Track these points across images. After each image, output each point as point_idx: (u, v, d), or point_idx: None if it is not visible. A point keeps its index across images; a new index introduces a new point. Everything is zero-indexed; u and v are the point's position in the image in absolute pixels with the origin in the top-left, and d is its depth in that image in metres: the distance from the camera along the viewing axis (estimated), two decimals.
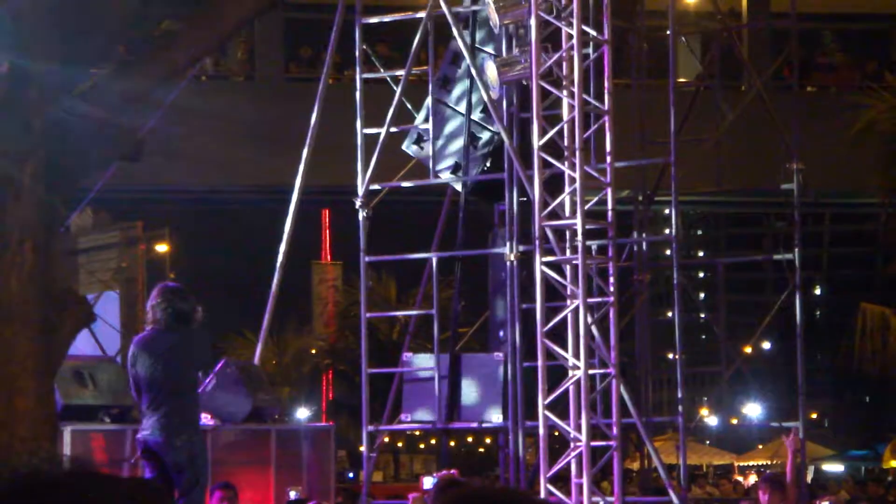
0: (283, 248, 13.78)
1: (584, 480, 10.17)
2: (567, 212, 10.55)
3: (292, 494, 10.89)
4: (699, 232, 78.87)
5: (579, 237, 10.29)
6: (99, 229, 21.55)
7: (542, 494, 10.07)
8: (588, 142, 11.09)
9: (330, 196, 20.86)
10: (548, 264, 10.45)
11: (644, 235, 14.17)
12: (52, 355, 7.73)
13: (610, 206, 10.76)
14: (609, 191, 10.71)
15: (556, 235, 10.53)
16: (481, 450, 47.60)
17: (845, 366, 26.82)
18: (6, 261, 7.40)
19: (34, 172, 7.45)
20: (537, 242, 10.49)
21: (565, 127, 10.53)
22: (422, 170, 12.53)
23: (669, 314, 13.84)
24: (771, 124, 13.36)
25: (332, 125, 13.72)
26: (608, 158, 10.87)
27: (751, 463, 39.57)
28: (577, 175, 10.35)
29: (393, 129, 12.44)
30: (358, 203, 12.34)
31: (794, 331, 13.32)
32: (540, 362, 10.31)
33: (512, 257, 11.70)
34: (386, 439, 15.19)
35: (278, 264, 13.80)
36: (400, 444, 46.66)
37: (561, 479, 10.72)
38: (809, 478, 23.74)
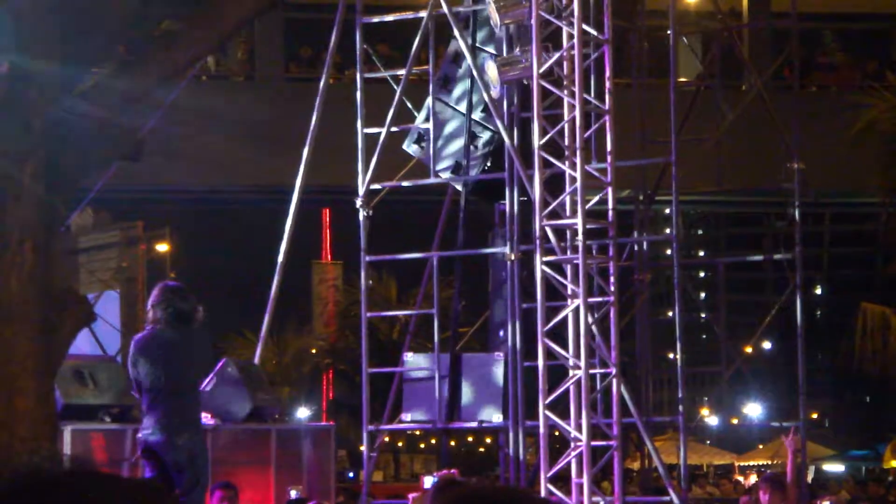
0: (283, 247, 13.78)
1: (585, 480, 10.16)
2: (567, 211, 10.55)
3: (293, 494, 10.90)
4: (699, 232, 78.88)
5: (580, 237, 10.28)
6: (99, 229, 21.55)
7: (543, 494, 10.06)
8: (588, 141, 11.09)
9: (330, 195, 20.87)
10: (548, 264, 10.44)
11: (644, 235, 14.17)
12: (53, 355, 7.72)
13: (610, 205, 10.75)
14: (609, 190, 10.71)
15: (557, 235, 10.53)
16: (481, 449, 47.61)
17: (846, 366, 26.81)
18: (6, 260, 7.40)
19: (34, 172, 7.45)
20: (538, 242, 10.49)
21: (566, 126, 10.53)
22: (422, 169, 12.53)
23: (670, 314, 13.84)
24: (771, 124, 13.35)
25: (332, 125, 13.72)
26: (609, 158, 10.87)
27: (751, 463, 39.56)
28: (577, 174, 10.34)
29: (393, 129, 12.44)
30: (358, 203, 12.34)
31: (794, 331, 13.32)
32: (540, 362, 10.31)
33: (512, 257, 11.69)
34: (386, 439, 15.19)
35: (278, 264, 13.80)
36: (400, 444, 46.67)
37: (561, 479, 10.72)
38: (810, 478, 23.75)
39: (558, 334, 10.42)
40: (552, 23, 10.59)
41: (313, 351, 40.74)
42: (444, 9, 11.95)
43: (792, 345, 13.80)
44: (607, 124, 10.79)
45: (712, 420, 28.48)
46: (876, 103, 19.18)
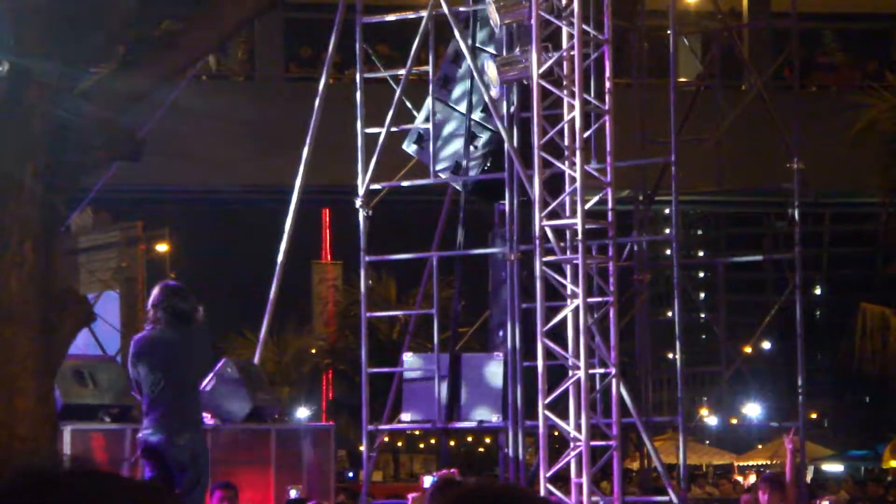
0: (283, 247, 13.78)
1: (584, 480, 10.17)
2: (567, 211, 10.55)
3: (292, 494, 10.90)
4: (699, 232, 78.87)
5: (579, 237, 10.28)
6: (99, 229, 21.55)
7: (542, 494, 10.06)
8: (588, 141, 11.09)
9: (330, 195, 20.87)
10: (548, 264, 10.44)
11: (644, 235, 14.17)
12: (53, 355, 7.72)
13: (610, 205, 10.75)
14: (609, 190, 10.71)
15: (557, 235, 10.53)
16: (481, 449, 47.60)
17: (845, 366, 26.82)
18: (6, 260, 7.40)
19: (34, 172, 7.45)
20: (537, 242, 10.49)
21: (566, 126, 10.53)
22: (422, 169, 12.53)
23: (669, 314, 13.84)
24: (771, 124, 13.35)
25: (332, 125, 13.72)
26: (608, 158, 10.87)
27: (750, 463, 39.55)
28: (577, 175, 10.34)
29: (393, 129, 12.44)
30: (358, 203, 12.34)
31: (794, 331, 13.32)
32: (540, 362, 10.31)
33: (512, 257, 11.69)
34: (386, 439, 15.18)
35: (278, 264, 13.80)
36: (400, 444, 46.67)
37: (561, 479, 10.72)
38: (809, 478, 23.76)
39: (558, 334, 10.42)
40: (552, 23, 10.60)
41: (313, 351, 40.74)
42: (444, 9, 11.95)
43: (791, 345, 13.80)
44: (607, 124, 10.79)
45: (712, 420, 28.48)
46: (876, 103, 19.18)
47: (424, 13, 12.26)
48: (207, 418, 9.99)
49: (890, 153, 19.05)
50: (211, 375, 10.67)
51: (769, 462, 32.51)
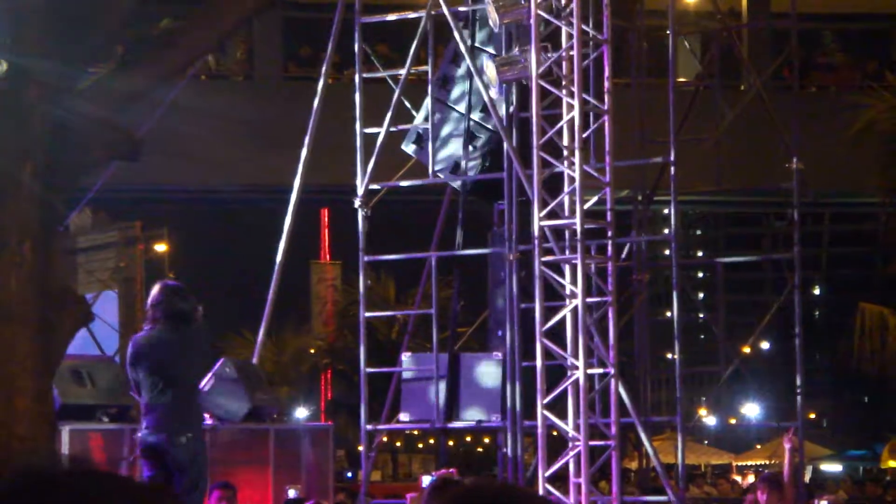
0: (282, 247, 13.77)
1: (583, 480, 10.16)
2: (566, 211, 10.54)
3: (291, 493, 10.90)
4: (698, 232, 78.89)
5: (578, 237, 10.28)
6: (98, 229, 21.55)
7: (541, 494, 10.06)
8: (587, 141, 11.08)
9: (329, 195, 20.86)
10: (547, 264, 10.44)
11: (643, 235, 14.17)
12: (51, 355, 7.72)
13: (609, 205, 10.75)
14: (608, 190, 10.71)
15: (555, 235, 10.52)
16: (480, 449, 47.60)
17: (844, 366, 26.83)
18: (5, 260, 7.39)
19: (33, 171, 7.44)
20: (536, 242, 10.49)
21: (565, 126, 10.53)
22: (421, 169, 12.53)
23: (668, 314, 13.84)
24: (771, 124, 13.35)
25: (331, 124, 13.71)
26: (607, 158, 10.87)
27: (749, 463, 39.56)
28: (576, 174, 10.34)
29: (392, 129, 12.43)
30: (357, 202, 12.34)
31: (792, 331, 13.32)
32: (539, 362, 10.31)
33: (511, 257, 11.69)
34: (384, 439, 15.19)
35: (277, 264, 13.80)
36: (398, 444, 46.67)
37: (559, 479, 10.72)
38: (807, 478, 23.74)
39: (557, 334, 10.42)
40: (551, 22, 10.59)
41: (312, 351, 40.74)
42: (444, 8, 11.94)
43: (790, 345, 13.81)
44: (606, 124, 10.79)
45: (710, 420, 28.48)
46: (875, 103, 19.18)
47: (423, 13, 12.26)
48: (206, 418, 9.99)
49: (889, 153, 19.05)
50: (209, 375, 10.66)
51: (768, 462, 32.52)
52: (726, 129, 13.70)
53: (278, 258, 13.77)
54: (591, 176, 10.75)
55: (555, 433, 10.84)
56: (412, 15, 12.57)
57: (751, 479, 28.12)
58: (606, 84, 10.86)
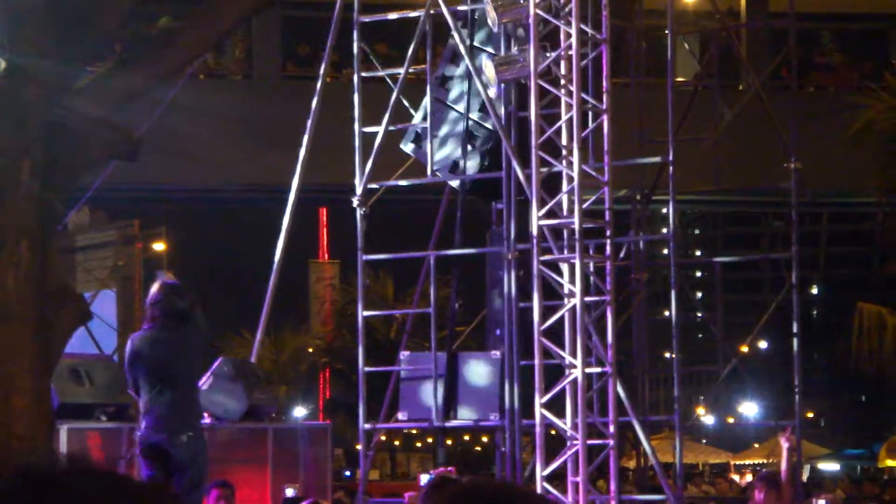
0: (280, 246, 13.77)
1: (581, 479, 10.17)
2: (565, 211, 10.55)
3: (289, 492, 10.89)
4: (696, 231, 78.91)
5: (577, 236, 10.29)
6: (96, 228, 21.55)
7: (539, 493, 10.06)
8: (586, 141, 11.09)
9: (327, 194, 20.86)
10: (545, 263, 10.44)
11: (641, 234, 14.17)
12: (49, 353, 7.72)
13: (607, 204, 10.76)
14: (607, 190, 10.71)
15: (554, 234, 10.53)
16: (478, 448, 47.61)
17: (842, 365, 26.84)
18: (3, 259, 7.39)
19: (31, 170, 7.44)
20: (535, 241, 10.49)
21: (563, 126, 10.53)
22: (420, 168, 12.53)
23: (666, 313, 13.84)
24: (769, 124, 13.36)
25: (329, 124, 13.71)
26: (606, 157, 10.87)
27: (747, 462, 39.60)
28: (574, 174, 10.35)
29: (391, 128, 12.43)
30: (355, 201, 12.34)
31: (790, 330, 13.33)
32: (537, 361, 10.31)
33: (509, 256, 11.69)
34: (383, 438, 15.19)
35: (275, 263, 13.80)
36: (397, 443, 46.67)
37: (557, 478, 10.72)
38: (805, 477, 23.77)
39: (555, 333, 10.42)
40: (550, 22, 10.59)
41: (310, 350, 40.76)
42: (442, 8, 11.94)
43: (788, 344, 13.83)
44: (605, 124, 10.79)
45: (708, 419, 28.51)
46: (873, 104, 19.19)
47: (422, 12, 12.26)
48: (204, 417, 9.99)
49: (887, 153, 19.05)
50: (208, 374, 10.67)
51: (765, 461, 32.54)
52: (725, 129, 13.71)
53: (277, 257, 13.77)
54: (590, 175, 10.76)
55: (553, 432, 10.84)
56: (411, 14, 12.57)
57: (749, 478, 28.14)
58: (605, 83, 10.86)
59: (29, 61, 7.44)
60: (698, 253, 69.48)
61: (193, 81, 16.45)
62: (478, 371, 11.89)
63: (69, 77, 7.73)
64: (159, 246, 22.24)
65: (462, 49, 11.87)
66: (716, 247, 71.39)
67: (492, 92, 11.57)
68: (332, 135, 13.81)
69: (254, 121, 19.11)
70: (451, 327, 12.78)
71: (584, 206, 10.45)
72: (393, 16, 12.91)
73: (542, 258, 10.42)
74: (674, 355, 12.71)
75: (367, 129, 12.44)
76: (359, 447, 12.81)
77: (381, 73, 13.08)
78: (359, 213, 12.32)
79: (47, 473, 1.53)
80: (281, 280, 13.84)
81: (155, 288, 8.35)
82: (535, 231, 10.50)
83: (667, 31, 12.80)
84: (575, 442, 10.17)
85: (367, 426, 12.27)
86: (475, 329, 14.03)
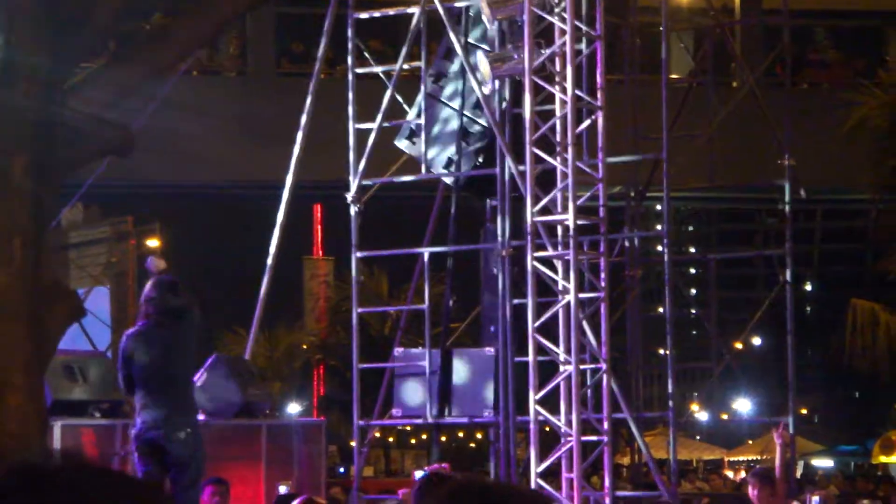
0: (274, 242, 13.76)
1: (575, 475, 10.18)
2: (559, 207, 10.55)
3: (282, 489, 10.89)
4: (690, 228, 78.97)
5: (571, 232, 10.29)
6: (89, 224, 21.54)
7: (533, 489, 10.06)
8: (580, 137, 11.08)
9: (322, 191, 20.85)
10: (539, 259, 10.45)
11: (636, 231, 14.18)
12: (43, 350, 7.70)
13: (602, 201, 10.76)
14: (601, 186, 10.71)
15: (548, 231, 10.53)
16: (472, 445, 47.62)
17: (836, 361, 26.87)
18: None
19: (24, 167, 7.43)
20: (529, 238, 10.49)
21: (558, 122, 10.53)
22: (414, 165, 12.52)
23: (660, 310, 13.87)
24: (763, 121, 13.37)
25: (324, 120, 13.70)
26: (600, 154, 10.88)
27: (741, 458, 39.66)
28: (569, 170, 10.35)
29: (385, 125, 12.42)
30: (350, 198, 12.33)
31: (784, 326, 13.35)
32: (531, 357, 10.32)
33: (503, 253, 11.69)
34: (377, 434, 15.18)
35: (270, 259, 13.79)
36: (391, 440, 46.66)
37: (552, 474, 10.73)
38: (799, 473, 23.80)
39: (549, 330, 10.43)
40: (544, 19, 10.59)
41: (304, 346, 40.73)
42: (437, 4, 11.94)
43: (782, 340, 13.84)
44: (599, 120, 10.79)
45: (702, 415, 28.54)
46: (867, 100, 19.21)
47: (417, 9, 12.25)
48: (199, 414, 9.97)
49: (881, 150, 19.08)
50: (202, 371, 10.65)
51: (759, 457, 32.60)
52: (719, 126, 13.71)
53: (271, 254, 13.76)
54: (584, 172, 10.76)
55: (547, 428, 10.85)
56: (405, 10, 12.56)
57: (743, 474, 28.17)
58: (599, 80, 10.86)
59: (22, 58, 7.42)
60: (692, 249, 69.50)
61: (188, 78, 16.44)
62: (472, 368, 11.89)
63: (62, 73, 7.72)
64: (153, 242, 22.22)
65: (457, 46, 11.86)
66: (710, 243, 71.45)
67: (486, 88, 11.56)
68: (327, 131, 13.80)
69: (248, 117, 19.09)
70: (446, 324, 12.78)
71: (579, 202, 10.45)
72: (388, 12, 12.90)
73: (536, 255, 10.42)
74: (668, 352, 12.73)
75: (362, 126, 12.43)
76: (353, 444, 12.81)
77: (375, 70, 13.07)
78: (353, 209, 12.31)
79: (42, 470, 1.52)
80: (275, 276, 13.84)
81: (149, 284, 8.34)
82: (529, 227, 10.50)
83: (661, 28, 12.80)
84: (569, 438, 10.18)
85: (362, 423, 12.27)
86: (469, 326, 14.03)
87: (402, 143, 12.61)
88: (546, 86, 10.59)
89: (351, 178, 12.34)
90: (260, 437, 11.19)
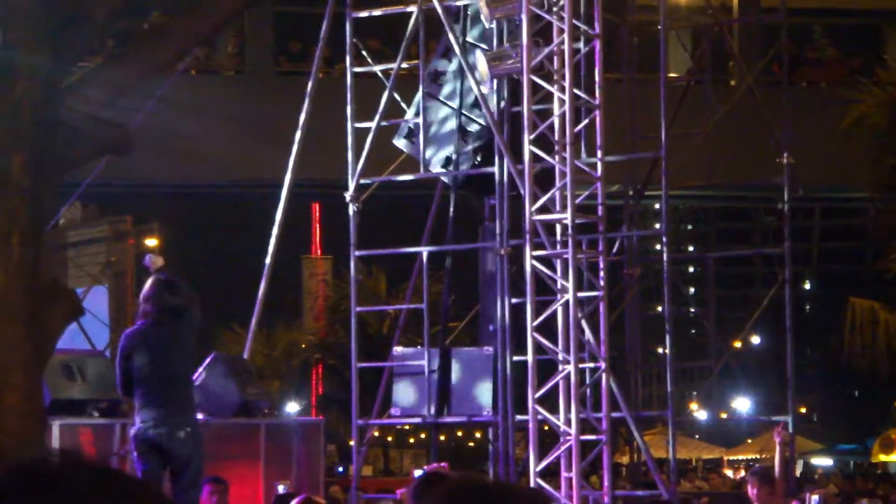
0: (273, 242, 13.76)
1: (574, 475, 10.17)
2: (557, 206, 10.54)
3: (280, 488, 10.88)
4: (689, 226, 78.99)
5: (570, 231, 10.28)
6: (88, 223, 21.53)
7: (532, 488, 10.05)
8: (579, 136, 11.08)
9: (320, 190, 20.84)
10: (538, 258, 10.44)
11: (634, 230, 14.17)
12: (41, 349, 7.70)
13: (600, 200, 10.76)
14: (599, 185, 10.71)
15: (547, 230, 10.52)
16: (471, 444, 47.63)
17: (835, 360, 26.87)
18: None
19: (23, 165, 7.42)
20: (527, 237, 10.49)
21: (556, 121, 10.52)
22: (412, 164, 12.52)
23: (659, 308, 13.86)
24: (761, 119, 13.37)
25: (322, 119, 13.70)
26: (599, 153, 10.87)
27: (740, 457, 39.67)
28: (567, 169, 10.34)
29: (383, 124, 12.42)
30: (348, 197, 12.32)
31: (783, 325, 13.35)
32: (530, 356, 10.31)
33: (502, 251, 11.69)
34: (376, 433, 15.17)
35: (268, 258, 13.78)
36: (390, 439, 46.65)
37: (551, 474, 10.73)
38: (798, 472, 23.81)
39: (548, 329, 10.42)
40: (542, 17, 10.59)
41: (303, 346, 40.73)
42: (435, 3, 11.93)
43: (781, 339, 13.84)
44: (597, 119, 10.79)
45: (701, 414, 28.54)
46: (865, 98, 19.21)
47: (415, 7, 12.24)
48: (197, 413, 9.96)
49: (879, 148, 19.08)
50: (200, 370, 10.65)
51: (758, 456, 32.59)
52: (717, 124, 13.71)
53: (269, 253, 13.76)
54: (583, 171, 10.76)
55: (546, 428, 10.84)
56: (403, 9, 12.55)
57: (742, 473, 28.18)
58: (598, 79, 10.86)
59: (20, 56, 7.41)
60: (691, 248, 69.56)
61: (186, 77, 16.43)
62: (471, 367, 11.88)
63: (60, 72, 7.71)
64: (151, 241, 22.21)
65: (455, 45, 11.85)
66: (708, 242, 71.48)
67: (484, 87, 11.56)
68: (325, 130, 13.80)
69: (246, 116, 19.08)
70: (444, 323, 12.77)
71: (577, 201, 10.45)
72: (385, 11, 12.89)
73: (534, 253, 10.41)
74: (667, 350, 12.72)
75: (360, 125, 12.43)
76: (352, 443, 12.80)
77: (373, 69, 13.06)
78: (351, 208, 12.30)
79: (41, 469, 1.51)
80: (274, 275, 13.83)
81: (149, 283, 8.33)
82: (527, 226, 10.50)
83: (659, 27, 12.80)
84: (568, 437, 10.18)
85: (360, 422, 12.26)
86: (468, 325, 14.02)
87: (400, 142, 12.60)
88: (544, 84, 10.58)
89: (349, 177, 12.34)
90: (258, 436, 11.18)
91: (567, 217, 10.33)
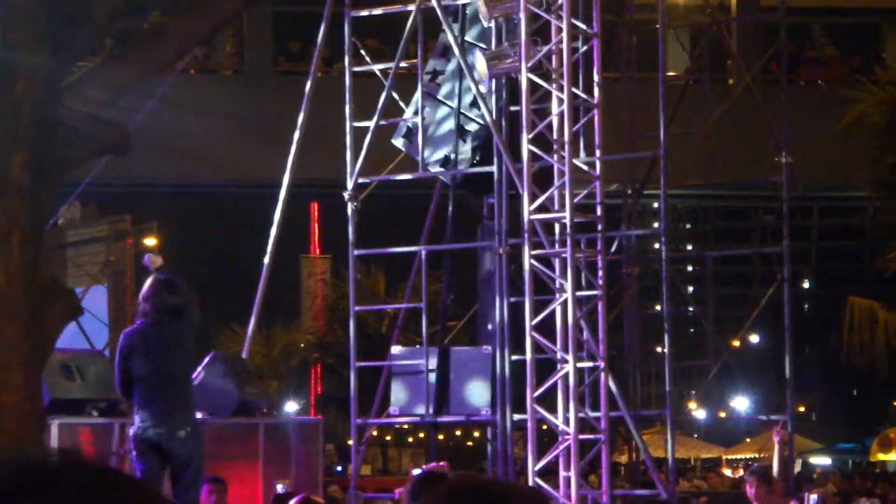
0: (271, 241, 13.76)
1: (572, 474, 10.18)
2: (556, 205, 10.55)
3: (279, 488, 10.89)
4: (688, 225, 79.01)
5: (568, 230, 10.29)
6: (87, 223, 21.54)
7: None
8: (577, 135, 11.09)
9: (319, 189, 20.85)
10: (536, 257, 10.45)
11: (633, 229, 14.18)
12: (40, 349, 7.70)
13: (599, 199, 10.76)
14: (598, 184, 10.72)
15: (545, 229, 10.53)
16: (470, 443, 47.64)
17: (833, 359, 26.90)
18: None
19: (22, 165, 7.43)
20: (526, 236, 10.49)
21: (554, 120, 10.53)
22: (411, 163, 12.52)
23: (658, 308, 13.86)
24: (760, 118, 13.38)
25: (320, 119, 13.70)
26: (597, 152, 10.88)
27: (739, 456, 39.69)
28: (566, 168, 10.35)
29: (382, 123, 12.42)
30: (347, 196, 12.33)
31: (782, 324, 13.36)
32: (528, 356, 10.32)
33: (501, 251, 11.69)
34: (374, 433, 15.18)
35: (267, 258, 13.79)
36: (388, 438, 46.66)
37: (549, 473, 10.73)
38: (797, 471, 23.82)
39: (546, 328, 10.43)
40: (541, 16, 10.59)
41: (302, 345, 40.72)
42: (433, 2, 11.93)
43: (780, 338, 13.84)
44: (596, 118, 10.79)
45: (700, 413, 28.56)
46: (864, 97, 19.22)
47: (413, 7, 12.25)
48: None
49: (878, 147, 19.08)
50: (199, 369, 10.65)
51: (757, 455, 32.62)
52: (715, 123, 13.73)
53: (268, 252, 13.76)
54: (581, 170, 10.76)
55: (545, 427, 10.85)
56: (402, 8, 12.56)
57: (741, 472, 28.19)
58: (596, 78, 10.86)
59: (20, 56, 7.42)
60: (689, 247, 69.57)
61: (185, 77, 16.43)
62: (469, 366, 11.89)
63: (60, 72, 7.72)
64: (150, 241, 22.20)
65: (453, 44, 11.86)
66: (707, 241, 71.49)
67: (483, 87, 11.56)
68: (324, 130, 13.80)
69: (245, 116, 19.09)
70: (443, 322, 12.78)
71: (576, 200, 10.45)
72: (384, 10, 12.90)
73: (533, 253, 10.42)
74: (665, 350, 12.73)
75: (359, 124, 12.43)
76: (350, 442, 12.81)
77: (372, 68, 13.07)
78: (350, 207, 12.31)
79: (40, 469, 1.52)
80: (272, 275, 13.83)
81: (148, 283, 8.33)
82: (526, 225, 10.50)
83: (657, 26, 12.80)
84: (567, 437, 10.18)
85: (359, 421, 12.27)
86: (467, 324, 14.03)
87: (398, 142, 12.60)
88: (543, 83, 10.59)
89: (348, 176, 12.34)
90: (257, 436, 11.19)
91: (566, 216, 10.34)
